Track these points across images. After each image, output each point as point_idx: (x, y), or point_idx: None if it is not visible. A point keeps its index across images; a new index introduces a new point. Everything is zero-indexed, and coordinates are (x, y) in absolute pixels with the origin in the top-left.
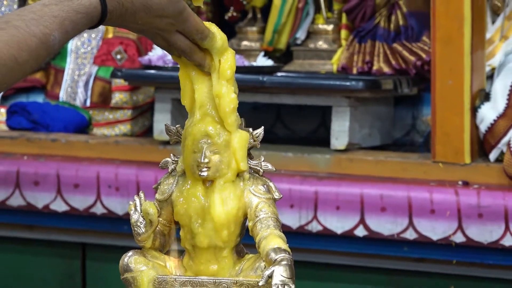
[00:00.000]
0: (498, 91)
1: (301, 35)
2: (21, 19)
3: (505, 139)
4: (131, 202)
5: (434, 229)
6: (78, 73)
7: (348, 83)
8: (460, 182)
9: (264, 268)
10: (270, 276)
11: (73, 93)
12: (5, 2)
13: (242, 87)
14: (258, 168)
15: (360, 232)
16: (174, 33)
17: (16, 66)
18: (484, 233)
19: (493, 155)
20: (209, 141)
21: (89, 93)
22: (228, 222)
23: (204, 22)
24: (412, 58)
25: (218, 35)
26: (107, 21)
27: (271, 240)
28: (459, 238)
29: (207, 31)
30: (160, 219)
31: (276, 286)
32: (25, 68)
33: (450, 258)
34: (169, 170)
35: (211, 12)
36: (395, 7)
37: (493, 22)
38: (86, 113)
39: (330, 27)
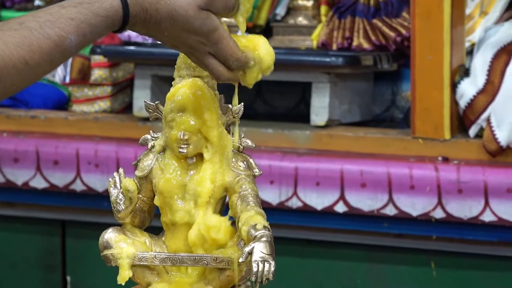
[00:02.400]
0: (478, 66)
1: (280, 11)
2: (36, 20)
3: (484, 115)
4: (110, 179)
5: (414, 205)
6: None
7: (328, 59)
8: (439, 158)
9: (244, 245)
10: (250, 253)
11: None
12: None
13: None
14: (238, 144)
15: (340, 208)
16: (206, 55)
17: (26, 69)
18: (463, 208)
19: (472, 131)
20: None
21: (68, 69)
22: (209, 200)
23: (250, 36)
24: (392, 34)
25: (265, 61)
26: (132, 26)
27: (251, 216)
28: (439, 213)
29: (245, 59)
30: (140, 195)
31: (256, 262)
32: (37, 71)
33: (430, 234)
34: (149, 146)
35: None
36: None
37: None
38: (65, 89)
39: (310, 3)
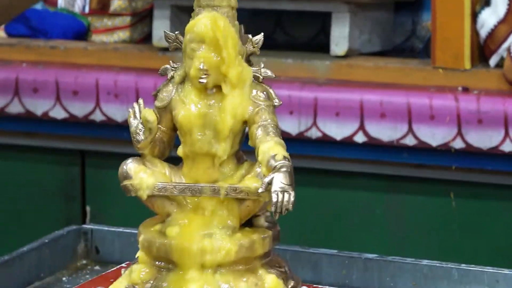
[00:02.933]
0: None
1: None
2: None
3: (505, 45)
4: (130, 109)
5: (434, 135)
6: None
7: None
8: (460, 88)
9: (264, 175)
10: (270, 183)
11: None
12: None
13: None
14: (257, 74)
15: (360, 138)
16: None
17: None
18: (483, 138)
19: (493, 61)
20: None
21: None
22: (229, 134)
23: None
24: None
25: None
26: None
27: (271, 147)
28: (458, 144)
29: None
30: (160, 126)
31: (276, 192)
32: None
33: (449, 164)
34: (169, 77)
35: None
36: None
37: None
38: (84, 19)
39: None
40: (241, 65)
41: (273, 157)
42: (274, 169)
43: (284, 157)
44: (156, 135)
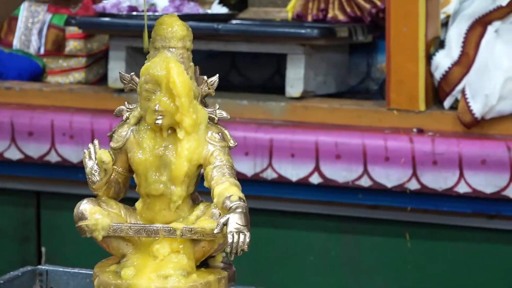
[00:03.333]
0: (453, 38)
1: None
2: None
3: (459, 87)
4: (85, 150)
5: (389, 176)
6: (32, 21)
7: (303, 31)
8: (414, 130)
9: (219, 216)
10: (225, 224)
11: (27, 40)
12: None
13: (197, 35)
14: (213, 115)
15: (315, 179)
16: None
17: None
18: (438, 180)
19: (447, 103)
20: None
21: (43, 40)
22: (184, 179)
23: None
24: (367, 6)
25: None
26: None
27: (226, 188)
28: (413, 185)
29: None
30: (115, 167)
31: (231, 233)
32: None
33: (404, 205)
34: (124, 118)
35: None
36: None
37: None
38: (40, 61)
39: None
40: (196, 110)
41: (229, 198)
42: (229, 210)
43: (240, 198)
44: (112, 176)
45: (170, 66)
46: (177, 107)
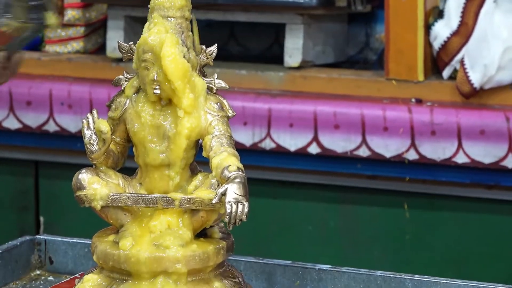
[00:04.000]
0: (452, 8)
1: None
2: None
3: (458, 56)
4: (84, 120)
5: (387, 147)
6: None
7: (301, 0)
8: (413, 100)
9: (218, 186)
10: (224, 194)
11: None
12: None
13: (195, 5)
14: (211, 85)
15: (313, 149)
16: None
17: None
18: (437, 150)
19: (446, 72)
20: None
21: None
22: (184, 149)
23: None
24: None
25: None
26: None
27: (224, 158)
28: (412, 155)
29: None
30: (113, 136)
31: (230, 203)
32: None
33: (403, 175)
34: (122, 87)
35: None
36: None
37: None
38: None
39: None
40: (193, 85)
41: (227, 168)
42: (228, 180)
43: (238, 168)
44: (110, 146)
45: (164, 52)
46: (173, 90)
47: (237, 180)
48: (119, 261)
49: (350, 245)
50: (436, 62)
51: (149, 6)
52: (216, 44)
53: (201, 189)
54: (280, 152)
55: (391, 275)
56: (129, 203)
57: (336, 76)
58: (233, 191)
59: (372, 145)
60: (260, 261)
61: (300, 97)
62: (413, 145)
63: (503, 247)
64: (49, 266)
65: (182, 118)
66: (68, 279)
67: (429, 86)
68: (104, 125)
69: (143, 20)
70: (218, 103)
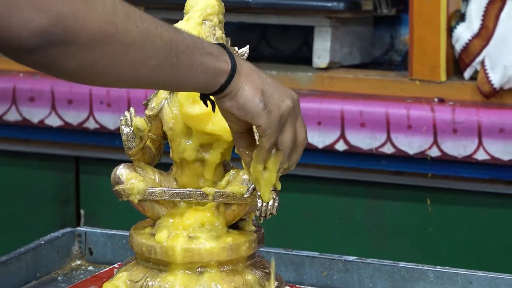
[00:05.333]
0: (473, 12)
1: None
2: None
3: (479, 58)
4: (122, 118)
5: (411, 144)
6: None
7: (329, 4)
8: (435, 99)
9: (249, 181)
10: (255, 189)
11: None
12: None
13: (228, 8)
14: None
15: (340, 146)
16: None
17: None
18: (458, 147)
19: (467, 73)
20: None
21: None
22: (220, 138)
23: None
24: None
25: None
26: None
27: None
28: (434, 152)
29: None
30: (150, 134)
31: (260, 197)
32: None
33: (425, 171)
34: None
35: None
36: None
37: None
38: None
39: None
40: None
41: None
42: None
43: None
44: (147, 143)
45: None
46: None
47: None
48: (155, 252)
49: (375, 237)
50: (458, 63)
51: (184, 10)
52: (248, 46)
53: (233, 184)
54: (308, 149)
55: (414, 266)
56: (165, 197)
57: (362, 77)
58: None
59: (397, 142)
60: (289, 252)
61: (327, 97)
62: (435, 142)
63: None
64: (88, 257)
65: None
66: (107, 269)
67: (451, 86)
68: (141, 123)
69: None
70: None
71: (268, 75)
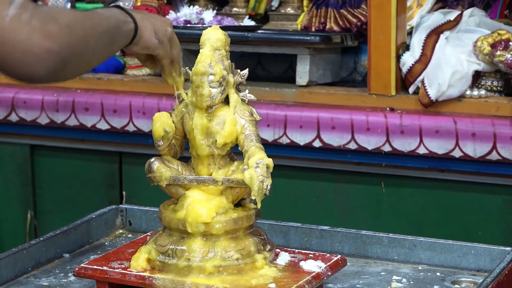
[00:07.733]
0: (415, 43)
1: (275, 3)
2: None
3: (420, 78)
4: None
5: (369, 142)
6: None
7: (308, 38)
8: (388, 108)
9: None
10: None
11: None
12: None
13: (232, 41)
14: (244, 98)
15: (317, 144)
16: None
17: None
18: (405, 144)
19: (411, 89)
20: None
21: None
22: (225, 138)
23: None
24: (354, 20)
25: None
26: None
27: (253, 150)
28: (387, 148)
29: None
30: (174, 134)
31: (257, 181)
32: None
33: (380, 162)
34: (181, 99)
35: None
36: None
37: None
38: (121, 59)
39: None
40: (232, 100)
41: (255, 157)
42: (257, 165)
43: (263, 157)
44: (172, 141)
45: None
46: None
47: (261, 165)
48: (178, 223)
49: (343, 212)
50: (404, 81)
51: (199, 42)
52: (247, 69)
53: (236, 173)
54: (293, 146)
55: (372, 234)
56: (186, 182)
57: (333, 92)
58: (260, 173)
59: (359, 140)
60: (279, 223)
61: (307, 107)
62: (387, 141)
63: (452, 215)
64: (128, 227)
65: (226, 118)
66: (142, 236)
67: (399, 99)
68: (168, 127)
69: (195, 52)
70: (249, 111)
71: (146, 13)
